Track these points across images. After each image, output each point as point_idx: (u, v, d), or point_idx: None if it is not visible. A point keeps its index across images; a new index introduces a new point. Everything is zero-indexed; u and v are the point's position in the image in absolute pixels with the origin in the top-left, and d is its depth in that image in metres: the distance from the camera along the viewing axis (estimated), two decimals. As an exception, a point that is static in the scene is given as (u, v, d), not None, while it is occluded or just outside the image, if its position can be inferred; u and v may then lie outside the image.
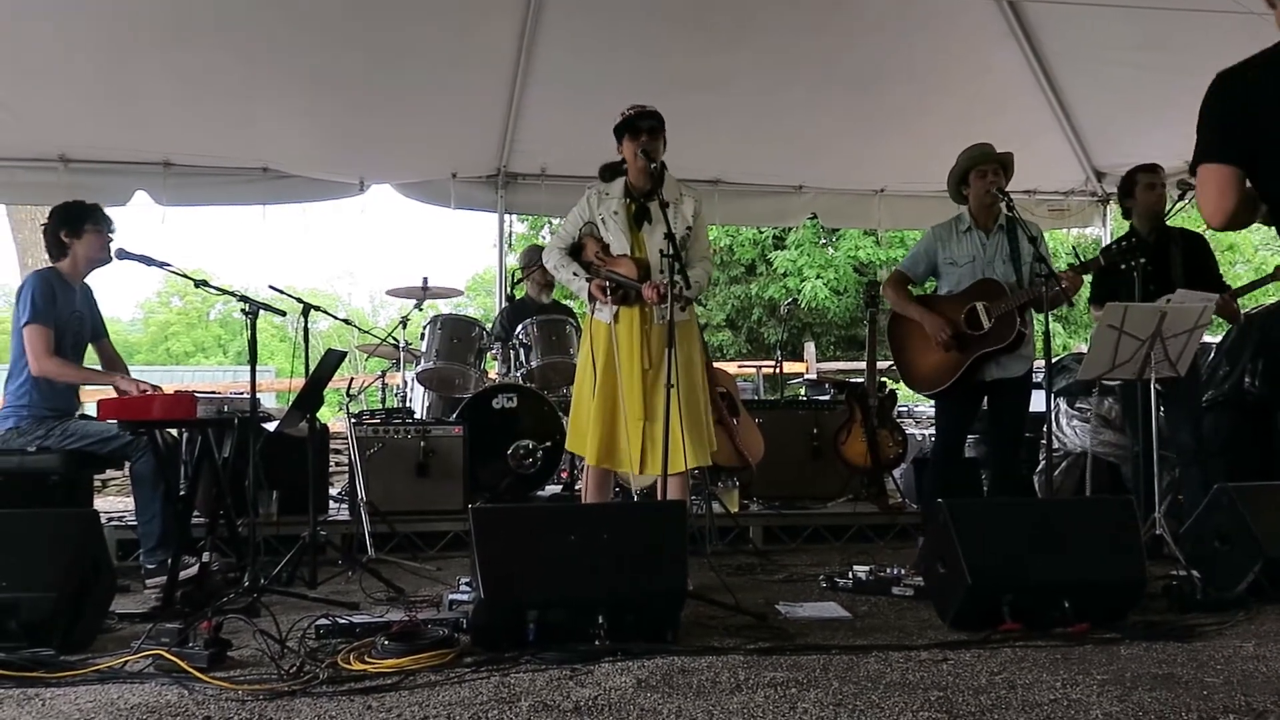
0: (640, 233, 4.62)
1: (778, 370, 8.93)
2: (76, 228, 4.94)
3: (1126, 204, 5.63)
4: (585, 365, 4.66)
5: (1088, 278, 5.22)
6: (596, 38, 7.14)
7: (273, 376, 17.65)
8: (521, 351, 6.66)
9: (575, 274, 4.65)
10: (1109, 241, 7.23)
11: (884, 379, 6.88)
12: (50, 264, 5.01)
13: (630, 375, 4.55)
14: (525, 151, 8.06)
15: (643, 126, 4.54)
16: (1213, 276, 5.51)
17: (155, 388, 4.79)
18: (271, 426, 5.13)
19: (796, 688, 2.94)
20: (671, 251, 4.29)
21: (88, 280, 5.12)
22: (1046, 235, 5.32)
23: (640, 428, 4.52)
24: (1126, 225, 5.75)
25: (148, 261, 4.51)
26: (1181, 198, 5.52)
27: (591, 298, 4.59)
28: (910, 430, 7.73)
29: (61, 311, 4.87)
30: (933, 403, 5.83)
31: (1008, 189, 5.09)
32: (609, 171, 4.75)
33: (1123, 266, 5.14)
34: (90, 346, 5.15)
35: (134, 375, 5.11)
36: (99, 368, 5.15)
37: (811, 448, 6.77)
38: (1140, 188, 5.50)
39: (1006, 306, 5.01)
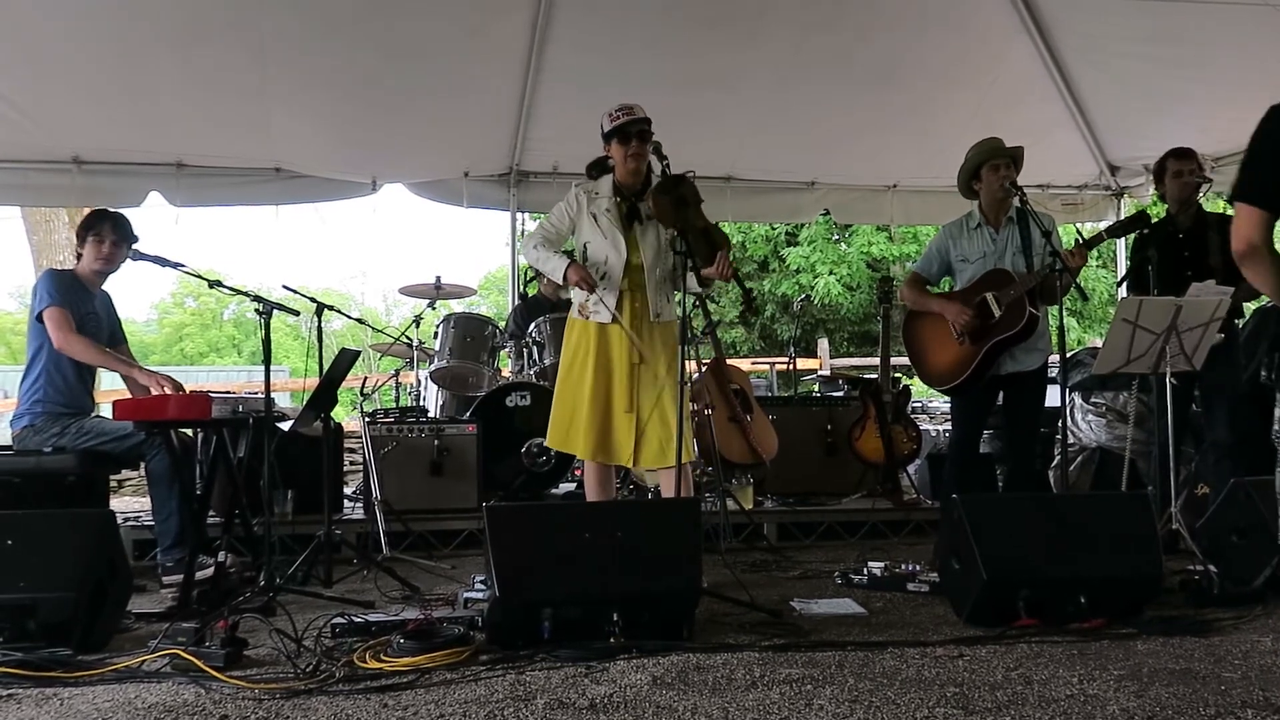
0: (633, 231, 4.65)
1: (791, 367, 8.91)
2: (82, 236, 5.03)
3: (1160, 189, 5.60)
4: (570, 363, 4.68)
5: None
6: (608, 35, 7.14)
7: (287, 376, 17.68)
8: (535, 349, 6.67)
9: (554, 261, 4.65)
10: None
11: (898, 374, 6.86)
12: (53, 263, 5.08)
13: (621, 370, 4.57)
14: (537, 150, 8.05)
15: (632, 132, 4.57)
16: None
17: (176, 384, 4.79)
18: (286, 426, 5.14)
19: (812, 684, 2.94)
20: (684, 248, 4.34)
21: (106, 288, 5.18)
22: (1060, 229, 5.30)
23: (630, 421, 4.55)
24: (1162, 210, 5.68)
25: (162, 262, 4.53)
26: (1197, 189, 5.47)
27: (565, 283, 4.63)
28: (924, 426, 7.72)
29: (76, 308, 4.90)
30: (947, 399, 5.82)
31: (1019, 183, 5.08)
32: (596, 169, 4.78)
33: (1142, 233, 5.10)
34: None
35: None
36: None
37: (826, 444, 6.76)
38: (1169, 175, 5.47)
39: (1015, 293, 4.99)
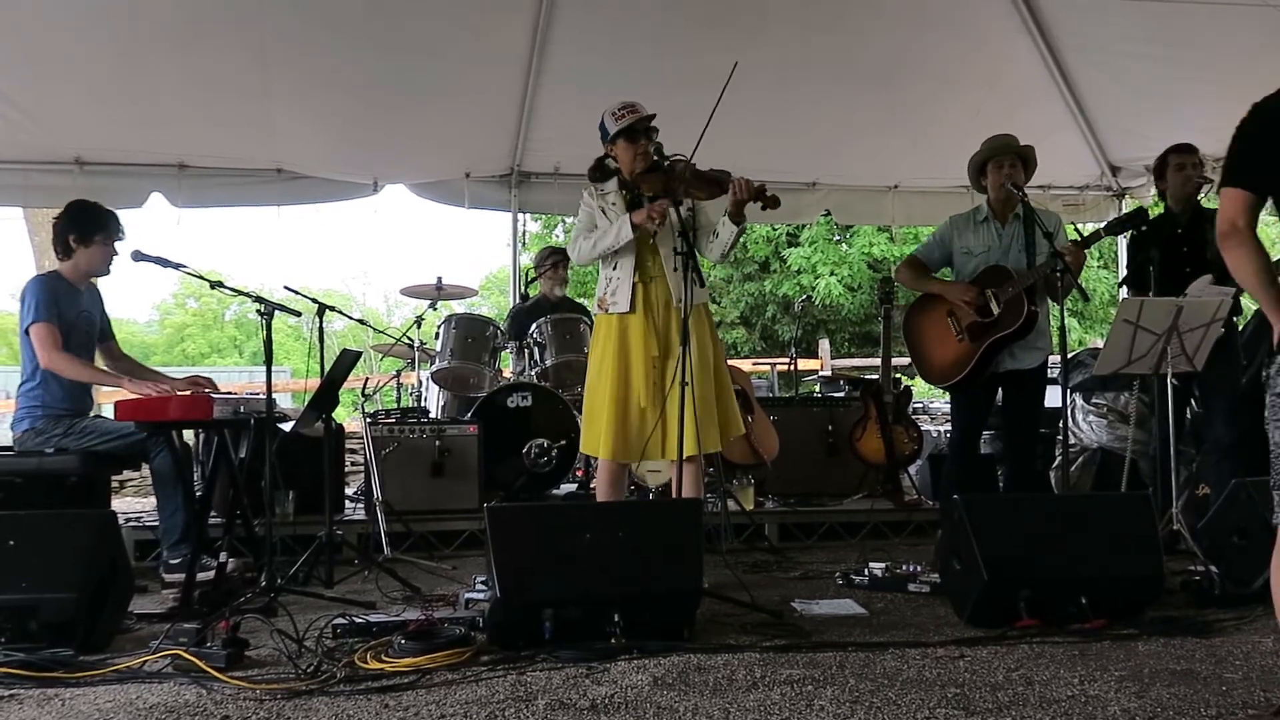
0: None
1: (792, 367, 8.90)
2: (87, 236, 4.93)
3: (1160, 185, 5.60)
4: (597, 365, 4.63)
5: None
6: (609, 35, 7.14)
7: (288, 377, 17.68)
8: (536, 350, 6.66)
9: (611, 227, 4.55)
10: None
11: (899, 375, 6.85)
12: (55, 264, 5.02)
13: (640, 364, 4.52)
14: (538, 150, 8.05)
15: (640, 130, 4.57)
16: None
17: (168, 387, 4.79)
18: (287, 427, 5.14)
19: (813, 685, 2.94)
20: (685, 249, 4.34)
21: (94, 281, 5.14)
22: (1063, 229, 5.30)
23: (653, 415, 4.49)
24: (1161, 210, 5.69)
25: (164, 263, 4.51)
26: (1199, 188, 5.47)
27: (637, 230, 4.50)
28: (925, 426, 7.72)
29: (67, 313, 4.87)
30: (948, 399, 5.82)
31: (1028, 183, 5.08)
32: (598, 171, 4.78)
33: (1135, 232, 5.10)
34: (96, 348, 5.15)
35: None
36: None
37: (827, 444, 6.75)
38: (1170, 169, 5.46)
39: (1013, 290, 4.99)
